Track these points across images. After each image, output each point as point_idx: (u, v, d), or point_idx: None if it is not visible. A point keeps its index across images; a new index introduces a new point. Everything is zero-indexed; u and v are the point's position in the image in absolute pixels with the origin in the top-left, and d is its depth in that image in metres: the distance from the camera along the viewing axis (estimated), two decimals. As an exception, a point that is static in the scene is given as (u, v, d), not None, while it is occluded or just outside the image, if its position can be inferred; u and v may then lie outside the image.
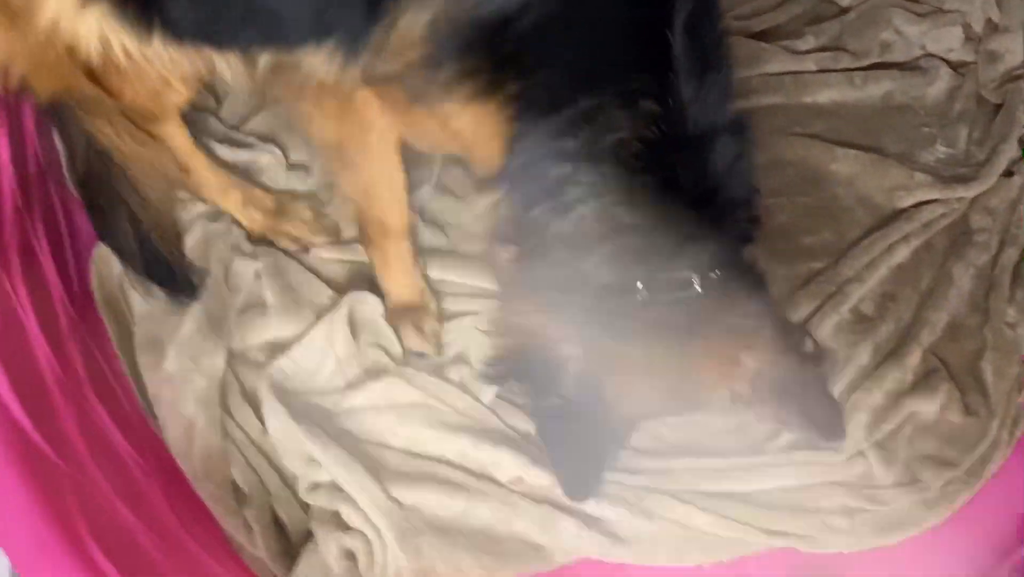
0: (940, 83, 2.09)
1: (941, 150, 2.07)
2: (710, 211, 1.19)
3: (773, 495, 1.74)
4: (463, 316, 1.88)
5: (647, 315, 1.20)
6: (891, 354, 1.87)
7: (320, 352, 1.80)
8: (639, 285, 1.21)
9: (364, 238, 1.83)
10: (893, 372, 1.85)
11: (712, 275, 1.20)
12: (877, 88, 2.09)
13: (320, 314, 1.83)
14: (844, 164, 2.00)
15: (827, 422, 1.40)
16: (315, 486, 1.66)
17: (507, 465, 1.68)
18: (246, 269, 1.87)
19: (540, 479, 1.68)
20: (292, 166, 2.01)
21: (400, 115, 1.52)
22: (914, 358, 1.86)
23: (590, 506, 1.67)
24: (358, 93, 1.50)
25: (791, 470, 1.75)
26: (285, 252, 1.91)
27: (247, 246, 1.91)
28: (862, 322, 1.90)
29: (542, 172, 1.20)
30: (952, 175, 2.04)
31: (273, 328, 1.83)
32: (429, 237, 1.96)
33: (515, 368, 1.40)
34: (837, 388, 1.83)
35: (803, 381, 1.29)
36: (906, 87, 2.09)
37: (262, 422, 1.72)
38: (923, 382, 1.85)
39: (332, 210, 1.97)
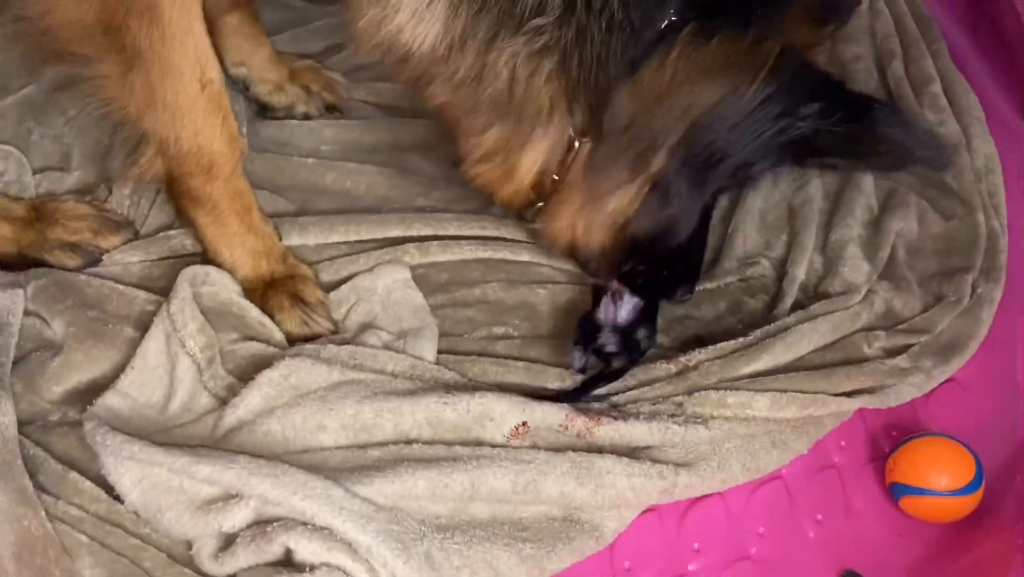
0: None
1: None
2: None
3: (817, 357, 1.35)
4: (348, 279, 1.35)
5: None
6: (845, 187, 1.61)
7: (163, 371, 1.18)
8: None
9: (181, 196, 1.26)
10: (858, 199, 1.58)
11: None
12: None
13: (143, 328, 1.22)
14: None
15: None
16: (227, 541, 1.02)
17: (501, 414, 1.16)
18: (10, 301, 1.22)
19: (551, 415, 1.16)
20: (40, 170, 1.41)
21: None
22: (868, 183, 1.61)
23: (628, 430, 1.18)
24: None
25: (816, 325, 1.37)
26: (65, 270, 1.28)
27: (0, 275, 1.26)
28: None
29: None
30: None
31: (76, 368, 1.20)
32: (262, 204, 1.42)
33: None
34: (810, 233, 1.52)
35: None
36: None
37: (104, 488, 1.06)
38: (890, 200, 1.60)
39: (117, 202, 1.38)
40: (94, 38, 1.09)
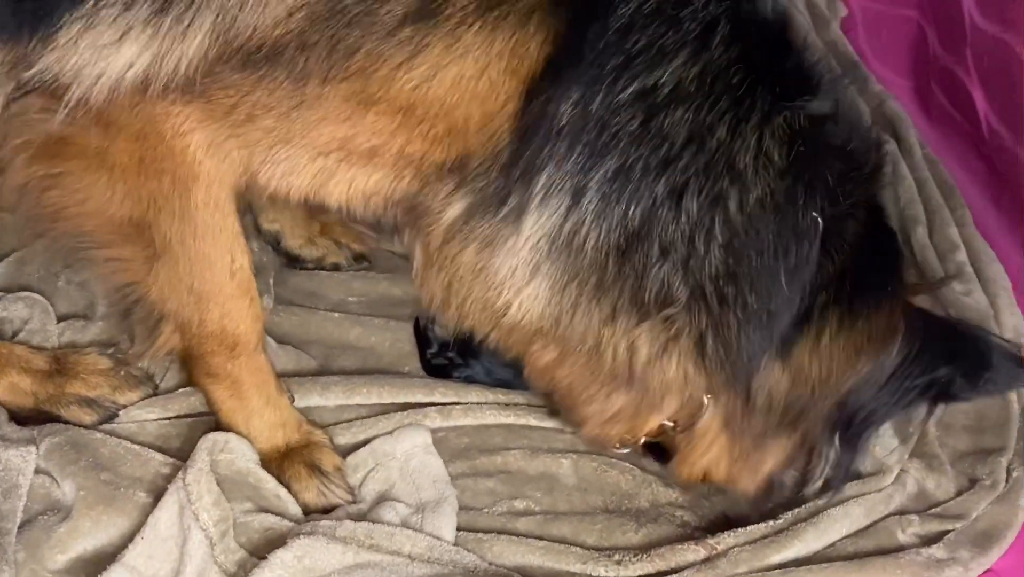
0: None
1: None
2: None
3: (850, 544, 1.30)
4: (367, 442, 1.32)
5: None
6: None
7: (173, 543, 1.13)
8: None
9: (198, 371, 1.24)
10: (887, 372, 1.55)
11: None
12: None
13: (156, 493, 1.18)
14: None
15: None
16: None
17: (522, 605, 1.10)
18: (21, 460, 1.19)
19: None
20: (64, 317, 1.40)
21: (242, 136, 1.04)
22: (894, 352, 1.59)
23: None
24: (165, 112, 1.01)
25: (848, 509, 1.33)
26: (81, 426, 1.26)
27: (14, 430, 1.24)
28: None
29: None
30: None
31: (82, 535, 1.17)
32: (286, 361, 1.41)
33: None
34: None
35: None
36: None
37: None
38: (920, 374, 1.57)
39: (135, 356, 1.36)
40: (121, 230, 1.08)
